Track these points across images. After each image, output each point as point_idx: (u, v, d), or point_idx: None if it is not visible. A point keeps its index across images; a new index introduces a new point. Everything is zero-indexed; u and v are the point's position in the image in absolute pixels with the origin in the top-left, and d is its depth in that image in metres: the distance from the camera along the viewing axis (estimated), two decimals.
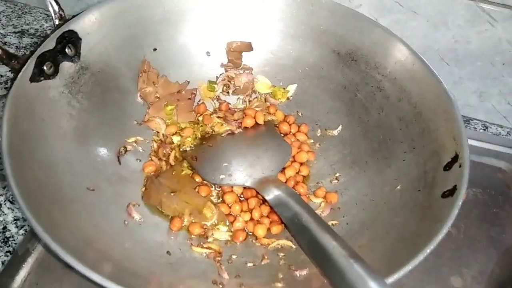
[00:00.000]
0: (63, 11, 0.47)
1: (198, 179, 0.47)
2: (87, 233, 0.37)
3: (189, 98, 0.53)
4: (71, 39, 0.45)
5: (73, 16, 0.46)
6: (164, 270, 0.38)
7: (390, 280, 0.31)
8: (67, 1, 0.73)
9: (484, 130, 0.69)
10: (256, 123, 0.52)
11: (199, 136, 0.51)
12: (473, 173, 0.56)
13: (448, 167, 0.40)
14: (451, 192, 0.37)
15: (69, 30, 0.45)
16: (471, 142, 0.62)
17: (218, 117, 0.52)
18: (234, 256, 0.42)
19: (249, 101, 0.55)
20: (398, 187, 0.43)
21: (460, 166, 0.38)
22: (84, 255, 0.32)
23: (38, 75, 0.41)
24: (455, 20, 0.61)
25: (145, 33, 0.51)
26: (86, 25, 0.46)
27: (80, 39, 0.46)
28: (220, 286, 0.38)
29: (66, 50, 0.45)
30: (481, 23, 0.60)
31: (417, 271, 0.46)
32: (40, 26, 0.73)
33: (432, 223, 0.35)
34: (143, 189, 0.46)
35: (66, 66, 0.45)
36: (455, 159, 0.39)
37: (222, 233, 0.43)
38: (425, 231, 0.35)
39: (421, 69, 0.46)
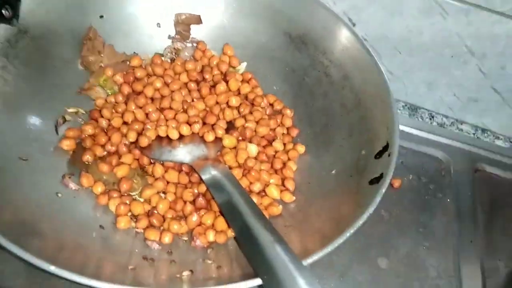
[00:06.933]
0: None
1: None
2: (15, 205, 0.36)
3: None
4: (8, 0, 0.42)
5: None
6: (95, 244, 0.38)
7: (309, 261, 0.33)
8: None
9: (430, 119, 0.71)
10: None
11: None
12: (411, 161, 0.60)
13: (379, 155, 0.41)
14: (378, 180, 0.39)
15: None
16: (414, 131, 0.65)
17: None
18: None
19: None
20: (333, 171, 0.45)
21: (389, 155, 0.40)
22: (8, 229, 0.32)
23: None
24: (409, 10, 0.62)
25: None
26: None
27: (19, 0, 0.43)
28: (151, 261, 0.38)
29: (3, 11, 0.42)
30: (433, 15, 0.61)
31: (347, 251, 0.49)
32: None
33: (357, 208, 0.37)
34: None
35: (2, 29, 0.42)
36: (385, 148, 0.41)
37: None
38: (349, 215, 0.37)
39: (365, 57, 0.47)
